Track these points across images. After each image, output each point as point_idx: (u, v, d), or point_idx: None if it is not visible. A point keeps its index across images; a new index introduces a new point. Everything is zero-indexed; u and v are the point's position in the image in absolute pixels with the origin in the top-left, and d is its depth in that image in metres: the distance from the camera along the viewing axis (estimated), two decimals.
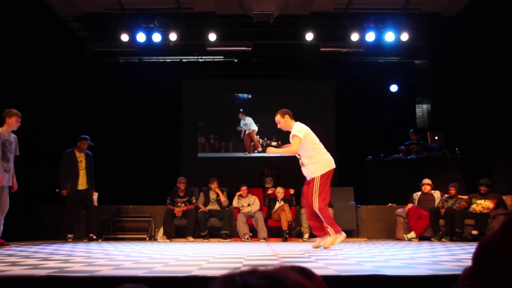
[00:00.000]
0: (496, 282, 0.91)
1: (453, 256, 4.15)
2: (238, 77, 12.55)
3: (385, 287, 2.33)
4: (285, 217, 8.49)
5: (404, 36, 9.96)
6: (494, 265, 0.92)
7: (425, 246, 6.24)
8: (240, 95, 12.72)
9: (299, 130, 5.52)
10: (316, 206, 5.38)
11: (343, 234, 5.45)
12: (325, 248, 5.40)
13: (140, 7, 9.87)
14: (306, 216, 5.98)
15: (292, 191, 9.32)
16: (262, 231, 8.57)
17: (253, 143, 12.36)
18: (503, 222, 0.94)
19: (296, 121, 5.74)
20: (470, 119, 9.70)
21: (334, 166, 5.56)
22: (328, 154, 5.61)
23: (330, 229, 5.39)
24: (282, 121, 5.67)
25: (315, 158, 5.51)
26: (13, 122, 6.32)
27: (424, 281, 2.40)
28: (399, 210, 8.76)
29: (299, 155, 5.59)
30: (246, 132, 12.39)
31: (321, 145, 5.62)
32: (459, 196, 8.35)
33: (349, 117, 11.87)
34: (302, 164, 5.58)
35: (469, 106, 9.77)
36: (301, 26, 10.35)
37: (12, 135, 6.42)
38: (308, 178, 5.61)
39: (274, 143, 11.92)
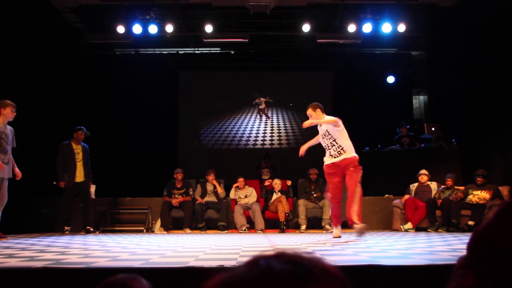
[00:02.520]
0: (490, 271, 0.91)
1: (449, 246, 4.17)
2: (235, 68, 12.52)
3: (382, 277, 2.34)
4: (282, 208, 8.51)
5: (401, 27, 9.92)
6: (488, 253, 0.92)
7: (422, 236, 6.26)
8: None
9: (331, 117, 5.74)
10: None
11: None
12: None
13: None
14: (333, 207, 6.00)
15: (289, 183, 9.34)
16: (259, 222, 8.59)
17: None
18: (497, 210, 0.94)
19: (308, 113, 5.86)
20: (467, 110, 9.70)
21: None
22: None
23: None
24: (314, 114, 5.77)
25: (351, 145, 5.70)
26: (8, 113, 6.29)
27: (420, 271, 2.41)
28: (396, 201, 8.78)
29: (332, 143, 5.67)
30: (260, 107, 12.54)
31: None
32: (456, 187, 8.37)
33: (346, 108, 11.83)
34: (342, 150, 5.64)
35: (465, 97, 9.77)
36: (298, 17, 10.31)
37: (9, 127, 6.40)
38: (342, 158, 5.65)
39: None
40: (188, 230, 8.57)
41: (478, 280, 0.93)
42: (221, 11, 10.30)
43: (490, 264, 0.91)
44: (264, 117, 12.44)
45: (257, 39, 11.37)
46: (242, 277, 0.63)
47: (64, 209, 8.09)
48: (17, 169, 6.48)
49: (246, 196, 9.12)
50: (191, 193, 9.01)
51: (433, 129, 9.65)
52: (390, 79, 12.19)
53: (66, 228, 7.93)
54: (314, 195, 8.89)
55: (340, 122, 5.67)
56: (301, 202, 8.75)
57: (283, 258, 0.64)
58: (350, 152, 5.65)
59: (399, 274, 2.37)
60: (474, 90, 9.47)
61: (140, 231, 8.82)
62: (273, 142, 12.37)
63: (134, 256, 3.38)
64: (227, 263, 2.47)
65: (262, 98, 12.50)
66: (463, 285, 0.95)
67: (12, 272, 2.47)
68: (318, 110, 5.77)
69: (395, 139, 10.34)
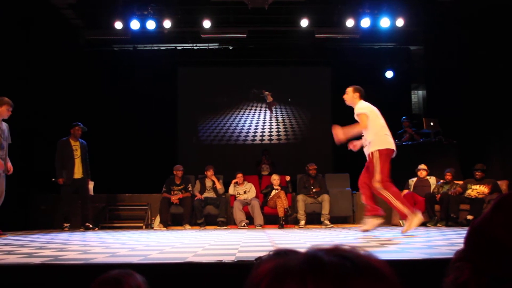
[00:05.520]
0: (486, 264, 0.91)
1: (447, 241, 4.18)
2: (233, 64, 12.50)
3: None
4: (281, 204, 8.52)
5: (400, 22, 9.90)
6: (484, 247, 0.92)
7: (421, 231, 6.27)
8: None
9: (363, 108, 5.42)
10: (377, 179, 5.24)
11: (419, 215, 5.15)
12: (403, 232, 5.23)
13: None
14: (362, 196, 5.68)
15: (288, 178, 9.34)
16: (259, 218, 8.59)
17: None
18: (493, 203, 0.94)
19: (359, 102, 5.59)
20: (466, 105, 9.69)
21: (393, 147, 5.43)
22: (390, 136, 5.47)
23: (406, 210, 5.17)
24: (350, 95, 5.61)
25: (377, 136, 5.36)
26: (4, 111, 6.26)
27: (418, 265, 2.41)
28: None
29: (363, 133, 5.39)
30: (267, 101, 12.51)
31: (385, 127, 5.47)
32: (455, 182, 8.38)
33: (344, 103, 11.81)
34: (368, 142, 5.36)
35: (464, 92, 9.76)
36: (296, 12, 10.28)
37: (4, 123, 6.38)
38: (366, 153, 5.41)
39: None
40: (187, 226, 8.57)
41: (474, 273, 0.93)
42: (219, 6, 10.26)
43: (487, 258, 0.91)
44: (268, 111, 12.42)
45: (255, 34, 11.34)
46: (290, 265, 0.63)
47: (63, 205, 8.09)
48: (9, 164, 6.40)
49: (245, 192, 9.12)
50: (190, 189, 9.00)
51: (432, 124, 9.64)
52: (389, 74, 12.17)
53: (65, 224, 7.93)
54: (314, 190, 8.89)
55: (364, 116, 5.34)
56: (300, 198, 8.75)
57: (335, 251, 0.64)
58: (372, 146, 5.32)
59: (397, 268, 2.36)
60: (473, 85, 9.46)
61: (139, 228, 8.83)
62: (271, 137, 12.36)
63: (133, 252, 3.38)
64: (226, 259, 2.47)
65: (266, 92, 12.47)
66: (460, 278, 0.95)
67: (11, 268, 2.46)
68: (357, 94, 5.57)
69: (398, 133, 10.29)
